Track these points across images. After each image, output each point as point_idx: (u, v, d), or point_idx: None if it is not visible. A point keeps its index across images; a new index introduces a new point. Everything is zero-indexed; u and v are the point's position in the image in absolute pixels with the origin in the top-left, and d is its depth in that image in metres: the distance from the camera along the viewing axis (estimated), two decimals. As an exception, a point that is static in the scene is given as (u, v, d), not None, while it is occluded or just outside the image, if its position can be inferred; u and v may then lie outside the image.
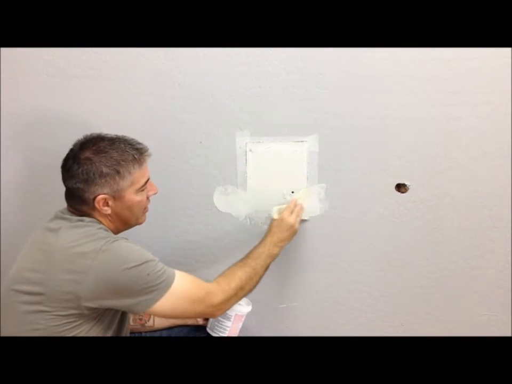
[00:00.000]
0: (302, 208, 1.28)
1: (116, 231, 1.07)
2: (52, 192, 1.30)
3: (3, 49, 1.23)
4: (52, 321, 0.95)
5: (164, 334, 1.32)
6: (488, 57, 1.18)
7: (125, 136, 1.06)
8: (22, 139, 1.32)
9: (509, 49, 1.17)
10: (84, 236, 0.97)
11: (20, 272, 0.99)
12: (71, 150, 1.03)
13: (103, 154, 1.00)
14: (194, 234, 1.38)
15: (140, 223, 1.12)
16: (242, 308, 1.24)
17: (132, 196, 1.04)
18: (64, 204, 1.06)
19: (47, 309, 0.94)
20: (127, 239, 1.02)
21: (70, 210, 1.04)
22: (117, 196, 1.02)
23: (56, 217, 1.03)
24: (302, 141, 1.29)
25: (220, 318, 1.23)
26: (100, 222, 1.03)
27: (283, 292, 1.43)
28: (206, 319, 1.31)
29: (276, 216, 1.27)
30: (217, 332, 1.24)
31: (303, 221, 1.33)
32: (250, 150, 1.30)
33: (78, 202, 1.02)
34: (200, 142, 1.30)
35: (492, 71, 1.20)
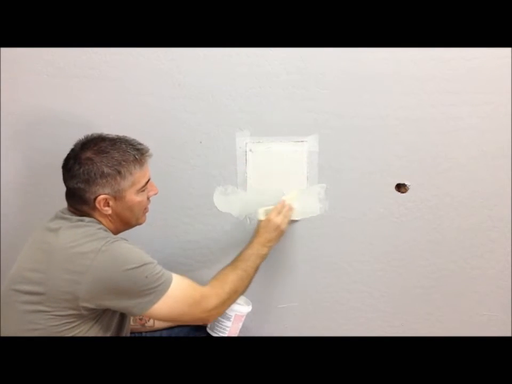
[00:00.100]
0: (291, 209, 1.29)
1: (116, 231, 1.07)
2: (52, 192, 1.31)
3: (3, 49, 1.23)
4: (51, 321, 0.95)
5: (164, 334, 1.32)
6: (488, 57, 1.19)
7: (126, 136, 1.06)
8: (22, 139, 1.32)
9: (509, 49, 1.17)
10: (84, 236, 0.97)
11: (20, 272, 0.99)
12: (72, 150, 1.03)
13: (105, 155, 1.00)
14: (194, 234, 1.38)
15: (140, 223, 1.12)
16: (242, 307, 1.24)
17: (133, 196, 1.04)
18: (64, 204, 1.06)
19: (46, 309, 0.95)
20: (126, 240, 1.02)
21: (70, 210, 1.04)
22: (117, 196, 1.02)
23: (57, 217, 1.03)
24: (302, 141, 1.29)
25: (220, 318, 1.23)
26: (100, 222, 1.03)
27: (283, 292, 1.43)
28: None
29: (261, 217, 1.28)
30: (217, 332, 1.24)
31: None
32: (250, 150, 1.30)
33: (78, 202, 1.02)
34: (200, 142, 1.30)
35: (492, 71, 1.20)
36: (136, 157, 1.03)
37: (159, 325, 1.32)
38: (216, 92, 1.26)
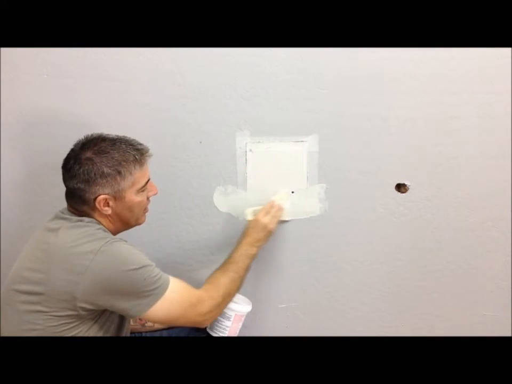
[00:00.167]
0: (280, 210, 1.28)
1: (116, 232, 1.07)
2: (52, 192, 1.31)
3: (3, 49, 1.23)
4: (50, 322, 0.95)
5: (164, 334, 1.32)
6: (488, 57, 1.19)
7: (125, 136, 1.06)
8: (22, 139, 1.32)
9: (509, 49, 1.17)
10: (84, 236, 0.97)
11: (20, 271, 0.99)
12: (72, 150, 1.03)
13: (105, 155, 1.00)
14: (194, 234, 1.38)
15: (140, 224, 1.12)
16: (242, 307, 1.24)
17: (133, 197, 1.04)
18: (64, 204, 1.06)
19: (45, 309, 0.95)
20: (126, 241, 1.02)
21: (70, 210, 1.04)
22: (117, 196, 1.02)
23: (56, 217, 1.03)
24: (302, 141, 1.29)
25: (219, 318, 1.23)
26: (100, 222, 1.03)
27: (283, 292, 1.43)
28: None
29: (249, 217, 1.28)
30: (217, 332, 1.24)
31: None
32: (250, 150, 1.30)
33: (78, 203, 1.02)
34: (200, 142, 1.30)
35: (492, 71, 1.20)
36: (136, 157, 1.03)
37: (159, 325, 1.32)
38: (216, 92, 1.26)
